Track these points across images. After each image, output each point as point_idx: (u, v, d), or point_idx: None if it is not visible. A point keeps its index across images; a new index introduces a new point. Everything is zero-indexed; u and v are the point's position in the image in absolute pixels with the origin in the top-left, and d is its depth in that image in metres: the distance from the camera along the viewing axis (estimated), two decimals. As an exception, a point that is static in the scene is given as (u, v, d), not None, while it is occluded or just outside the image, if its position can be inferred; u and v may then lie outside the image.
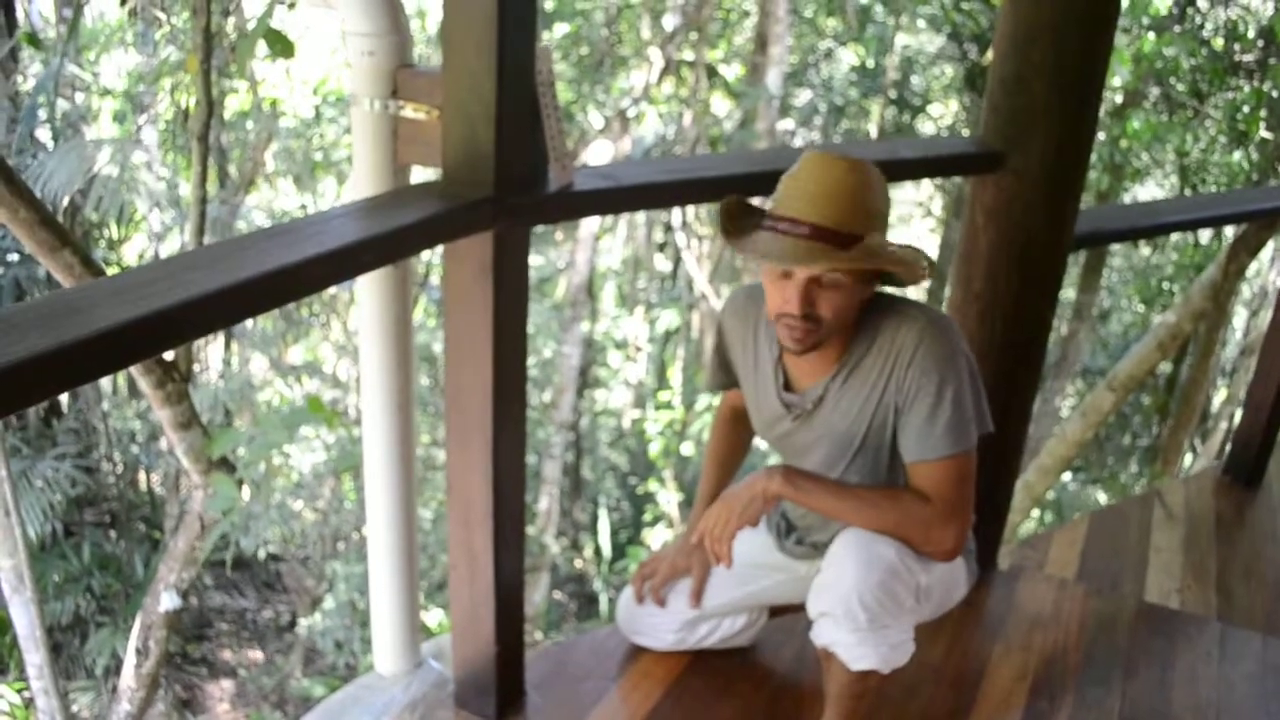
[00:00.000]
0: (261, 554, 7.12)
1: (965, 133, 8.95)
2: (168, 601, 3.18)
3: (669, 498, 9.24)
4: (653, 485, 9.25)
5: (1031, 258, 2.17)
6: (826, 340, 1.64)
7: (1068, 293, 10.59)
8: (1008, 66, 2.09)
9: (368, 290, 1.80)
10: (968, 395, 1.62)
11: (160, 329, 1.08)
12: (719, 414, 2.10)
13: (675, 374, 11.87)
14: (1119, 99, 7.39)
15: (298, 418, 2.83)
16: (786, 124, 8.94)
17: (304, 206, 8.63)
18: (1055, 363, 9.21)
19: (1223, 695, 2.12)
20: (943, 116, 10.02)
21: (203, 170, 2.43)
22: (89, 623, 7.26)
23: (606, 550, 10.72)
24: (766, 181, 1.67)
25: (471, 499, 1.75)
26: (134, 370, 2.53)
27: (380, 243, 1.38)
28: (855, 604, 1.59)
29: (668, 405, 8.95)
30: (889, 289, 1.70)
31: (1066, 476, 12.00)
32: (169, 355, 2.57)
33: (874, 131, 8.81)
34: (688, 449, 8.81)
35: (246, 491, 3.04)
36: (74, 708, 6.67)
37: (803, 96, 8.96)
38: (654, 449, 8.60)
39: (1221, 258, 4.88)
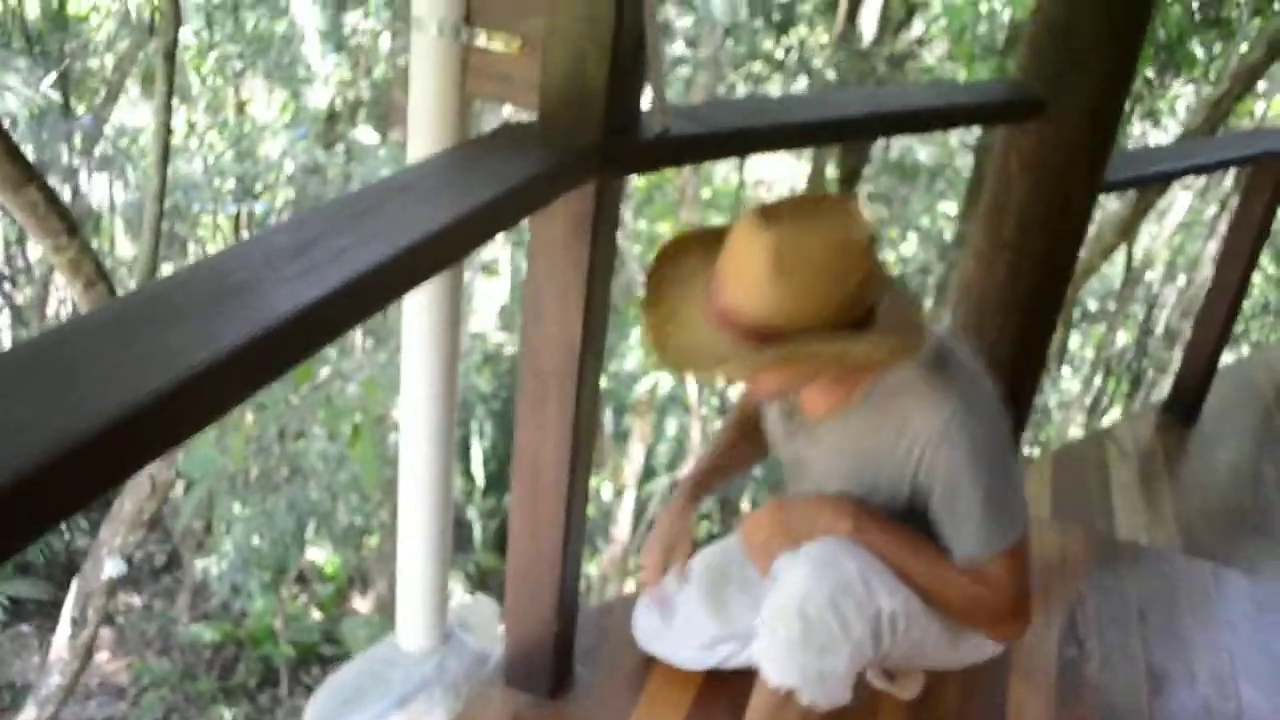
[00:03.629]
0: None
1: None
2: (112, 568, 2.89)
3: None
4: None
5: (1066, 206, 2.15)
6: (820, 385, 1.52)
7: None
8: (1055, 9, 2.04)
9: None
10: (1004, 489, 1.44)
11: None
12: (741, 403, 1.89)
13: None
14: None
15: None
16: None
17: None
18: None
19: (1228, 637, 2.21)
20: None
21: (168, 91, 2.13)
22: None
23: (480, 479, 10.57)
24: (867, 126, 1.57)
25: (542, 464, 1.62)
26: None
27: (495, 208, 1.19)
28: (793, 613, 1.42)
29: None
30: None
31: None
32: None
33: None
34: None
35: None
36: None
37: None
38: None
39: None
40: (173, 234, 7.42)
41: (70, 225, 2.05)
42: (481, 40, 1.47)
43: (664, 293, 1.45)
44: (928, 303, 11.90)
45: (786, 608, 1.43)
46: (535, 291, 1.50)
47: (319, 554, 7.92)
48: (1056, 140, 2.09)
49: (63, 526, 6.98)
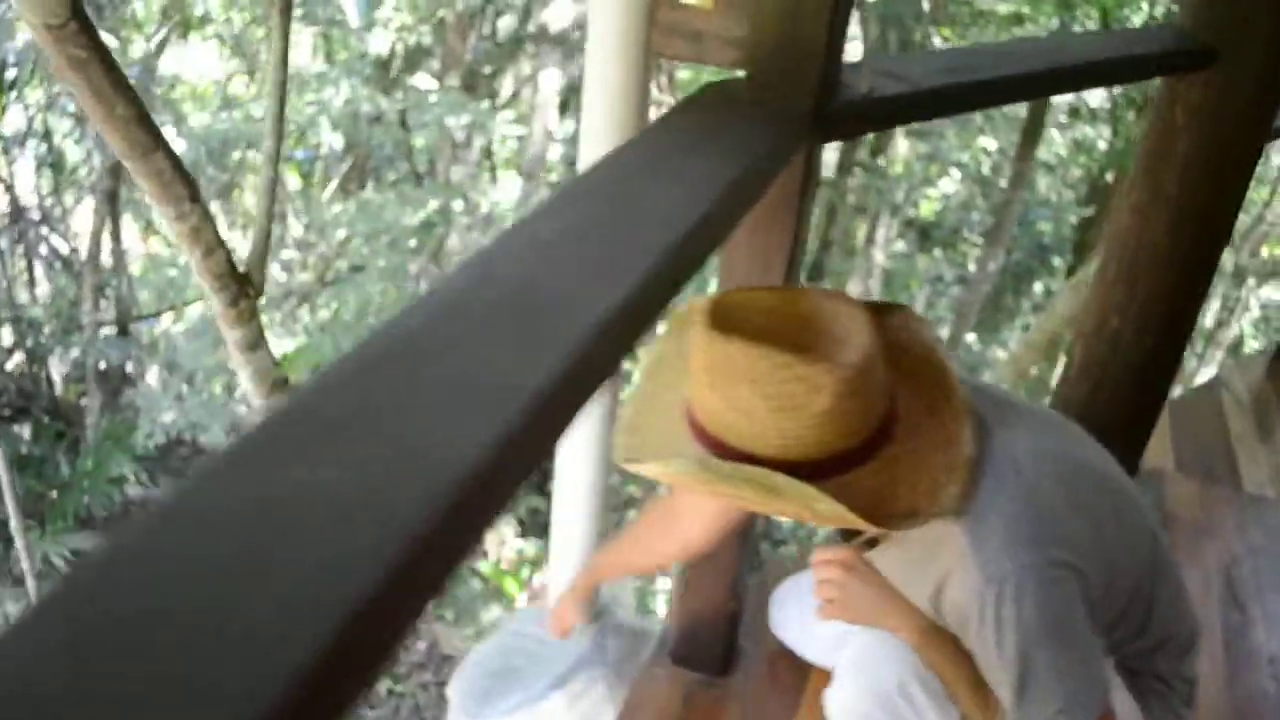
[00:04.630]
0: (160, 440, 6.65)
1: None
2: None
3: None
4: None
5: (1234, 159, 2.04)
6: None
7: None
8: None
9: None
10: (1044, 694, 1.12)
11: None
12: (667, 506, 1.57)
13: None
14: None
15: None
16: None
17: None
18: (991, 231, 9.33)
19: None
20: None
21: (284, 48, 2.04)
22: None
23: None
24: (1060, 80, 1.47)
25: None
26: (206, 288, 2.18)
27: (746, 186, 1.10)
28: (841, 714, 1.38)
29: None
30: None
31: (970, 337, 12.45)
32: (242, 268, 2.23)
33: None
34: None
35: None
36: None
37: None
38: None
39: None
40: (212, 181, 7.32)
41: (193, 192, 1.98)
42: (674, -6, 1.38)
43: (654, 369, 1.23)
44: (975, 238, 11.73)
45: (834, 706, 1.39)
46: (731, 268, 1.42)
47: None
48: (1227, 91, 1.96)
49: (135, 478, 7.01)
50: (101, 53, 1.56)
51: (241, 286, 2.22)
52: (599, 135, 1.45)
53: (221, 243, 2.12)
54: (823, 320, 1.09)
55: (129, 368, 7.72)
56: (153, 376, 7.98)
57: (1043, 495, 1.14)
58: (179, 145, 5.91)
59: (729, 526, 1.53)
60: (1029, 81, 1.60)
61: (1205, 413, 3.09)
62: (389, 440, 0.63)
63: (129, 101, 1.67)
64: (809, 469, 1.05)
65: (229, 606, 0.50)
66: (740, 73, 1.37)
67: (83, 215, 7.68)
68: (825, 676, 1.74)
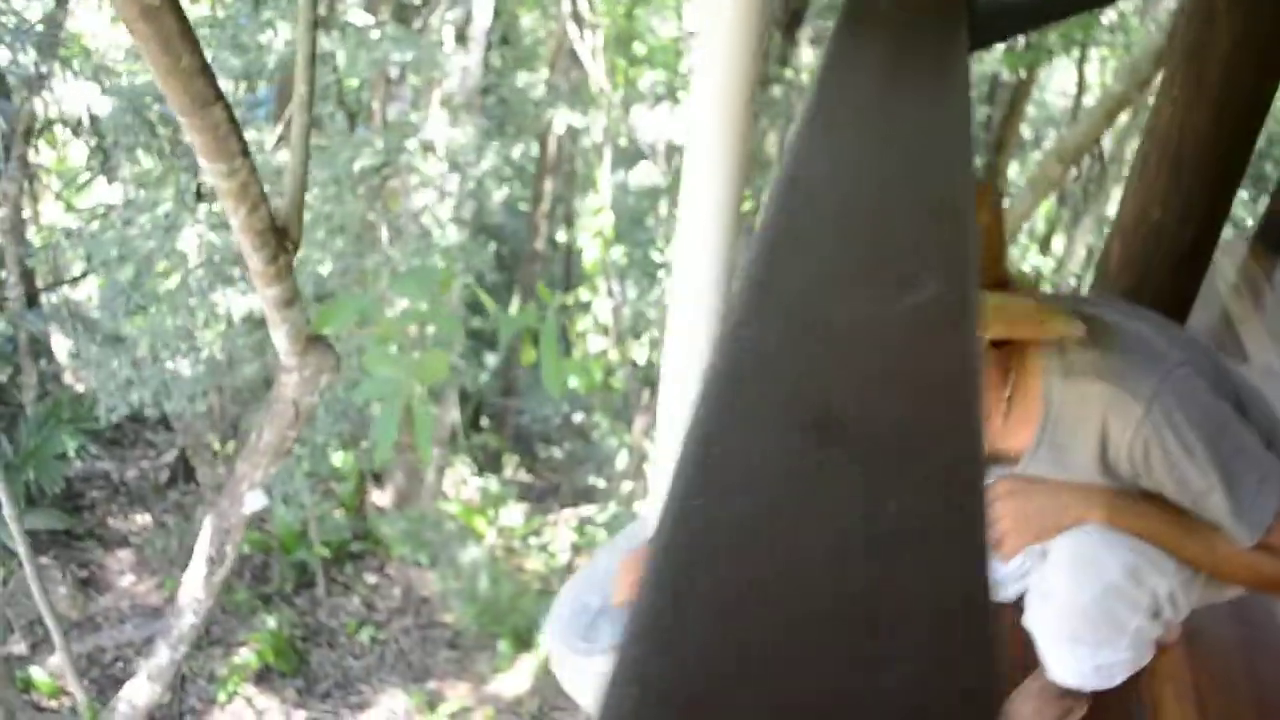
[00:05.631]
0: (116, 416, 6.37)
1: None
2: (253, 502, 2.76)
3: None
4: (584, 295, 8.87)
5: (1274, 43, 2.08)
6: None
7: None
8: None
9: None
10: (1240, 456, 1.23)
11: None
12: None
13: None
14: None
15: (423, 277, 2.39)
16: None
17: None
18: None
19: None
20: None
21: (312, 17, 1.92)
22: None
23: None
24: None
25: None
26: (246, 246, 2.08)
27: (969, 110, 1.08)
28: (1059, 622, 1.37)
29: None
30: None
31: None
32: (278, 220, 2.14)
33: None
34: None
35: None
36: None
37: None
38: (587, 259, 8.21)
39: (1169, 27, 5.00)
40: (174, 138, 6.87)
41: (244, 147, 1.88)
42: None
43: None
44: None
45: (1050, 617, 1.38)
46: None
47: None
48: (1271, -27, 2.00)
49: (71, 453, 6.75)
50: (174, 1, 1.45)
51: (280, 241, 2.13)
52: (713, 67, 1.41)
53: (265, 198, 2.02)
54: None
55: (65, 340, 7.39)
56: (65, 347, 7.65)
57: (1135, 329, 1.31)
58: (105, 104, 5.58)
59: None
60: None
61: (1205, 298, 3.19)
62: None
63: (194, 52, 1.56)
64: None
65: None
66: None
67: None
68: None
